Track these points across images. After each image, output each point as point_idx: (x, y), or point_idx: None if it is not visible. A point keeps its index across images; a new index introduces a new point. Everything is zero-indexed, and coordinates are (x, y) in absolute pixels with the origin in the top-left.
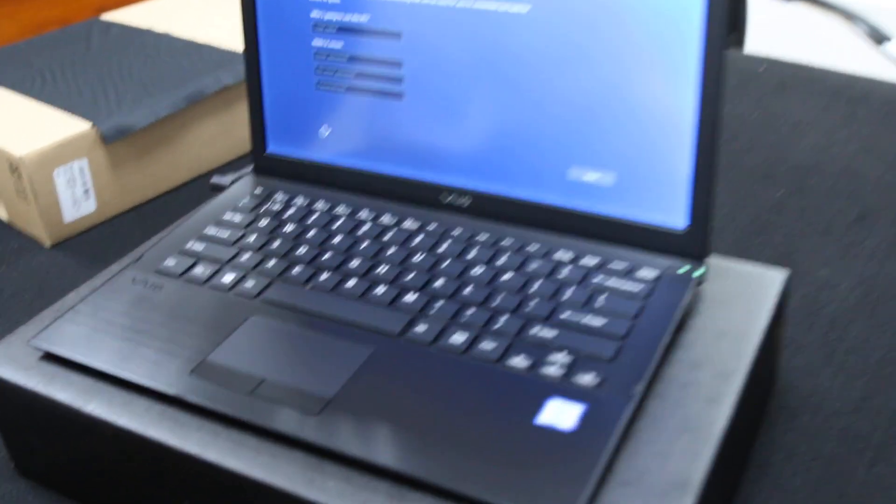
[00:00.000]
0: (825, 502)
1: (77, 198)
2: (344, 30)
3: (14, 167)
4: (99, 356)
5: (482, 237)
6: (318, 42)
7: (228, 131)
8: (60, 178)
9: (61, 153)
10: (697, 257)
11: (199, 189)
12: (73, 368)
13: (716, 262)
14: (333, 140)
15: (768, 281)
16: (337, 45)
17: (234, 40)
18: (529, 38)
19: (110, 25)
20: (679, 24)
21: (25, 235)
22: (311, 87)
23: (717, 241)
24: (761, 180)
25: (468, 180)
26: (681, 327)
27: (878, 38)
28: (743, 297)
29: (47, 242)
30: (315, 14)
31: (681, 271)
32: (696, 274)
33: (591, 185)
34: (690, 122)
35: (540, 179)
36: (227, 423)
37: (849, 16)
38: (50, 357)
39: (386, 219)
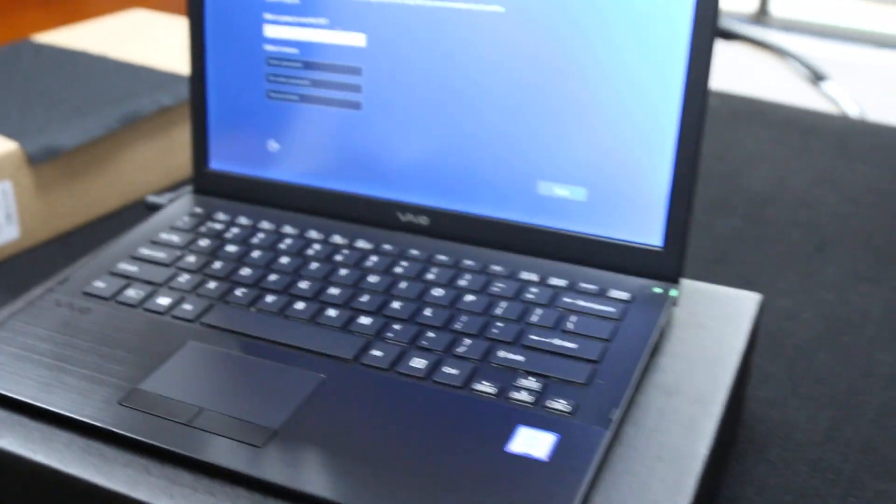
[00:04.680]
0: None
1: None
2: (300, 33)
3: None
4: (15, 385)
5: (442, 258)
6: (270, 47)
7: (167, 155)
8: None
9: None
10: (672, 278)
11: (133, 216)
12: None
13: (687, 285)
14: (283, 155)
15: (742, 304)
16: (292, 50)
17: (175, 62)
18: (496, 43)
19: (41, 47)
20: (664, 28)
21: None
22: (261, 96)
23: None
24: (719, 210)
25: (427, 197)
26: (655, 351)
27: (816, 77)
28: (718, 321)
29: None
30: (269, 16)
31: (656, 290)
32: (672, 294)
33: (560, 201)
34: (672, 132)
35: (505, 195)
36: (160, 457)
37: (785, 55)
38: None
39: (337, 239)
